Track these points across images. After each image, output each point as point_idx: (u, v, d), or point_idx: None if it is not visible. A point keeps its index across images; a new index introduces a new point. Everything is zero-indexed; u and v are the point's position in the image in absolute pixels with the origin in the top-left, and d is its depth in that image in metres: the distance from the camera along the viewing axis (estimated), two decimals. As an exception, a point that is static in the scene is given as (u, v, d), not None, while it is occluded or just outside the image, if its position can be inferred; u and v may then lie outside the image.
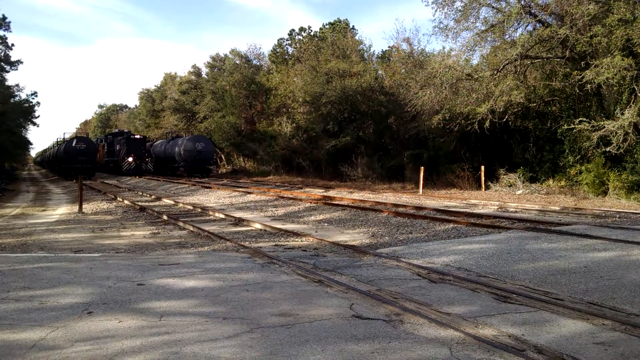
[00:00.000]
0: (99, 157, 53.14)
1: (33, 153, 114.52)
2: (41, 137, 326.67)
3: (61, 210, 16.82)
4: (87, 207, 16.99)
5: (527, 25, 20.22)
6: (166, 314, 4.94)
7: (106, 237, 10.95)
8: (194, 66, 60.91)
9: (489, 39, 20.88)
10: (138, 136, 46.52)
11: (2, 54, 34.63)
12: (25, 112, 41.80)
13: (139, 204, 17.59)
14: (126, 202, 18.64)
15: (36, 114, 44.57)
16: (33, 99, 41.99)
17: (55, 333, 4.38)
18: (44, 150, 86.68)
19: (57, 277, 6.49)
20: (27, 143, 57.46)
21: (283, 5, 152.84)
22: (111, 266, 7.23)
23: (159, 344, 4.14)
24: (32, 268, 7.10)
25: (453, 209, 14.44)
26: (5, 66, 35.24)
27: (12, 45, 35.22)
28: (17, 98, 40.24)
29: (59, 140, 51.36)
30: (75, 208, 16.58)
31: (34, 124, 46.03)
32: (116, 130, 55.57)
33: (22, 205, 19.37)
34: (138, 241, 10.31)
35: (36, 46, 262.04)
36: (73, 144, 39.25)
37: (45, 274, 6.72)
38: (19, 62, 35.84)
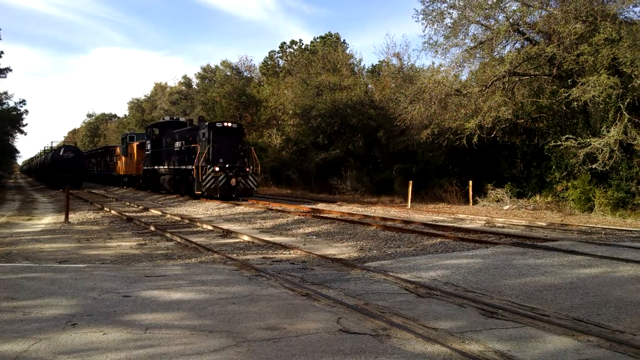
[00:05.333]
0: (125, 163, 37.43)
1: (20, 161, 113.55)
2: (28, 146, 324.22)
3: (47, 220, 16.64)
4: (74, 216, 16.82)
5: (515, 43, 20.51)
6: (151, 327, 4.89)
7: (92, 247, 10.84)
8: (184, 77, 61.17)
9: (477, 55, 21.14)
10: (229, 124, 24.26)
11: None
12: (13, 120, 41.44)
13: (126, 214, 17.46)
14: (113, 212, 18.49)
15: (24, 122, 44.20)
16: (21, 107, 41.73)
17: (38, 345, 4.32)
18: (31, 159, 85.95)
19: (41, 288, 6.41)
20: (14, 151, 56.91)
21: (277, 19, 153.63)
22: (96, 277, 7.15)
23: (143, 357, 4.10)
24: (16, 278, 7.00)
25: (441, 224, 14.50)
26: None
27: (2, 52, 34.97)
28: (4, 106, 39.94)
29: (46, 148, 50.81)
30: (62, 218, 16.40)
31: (22, 132, 45.63)
32: (167, 117, 34.49)
33: (7, 214, 19.12)
34: (124, 252, 10.21)
35: (26, 54, 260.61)
36: (60, 153, 38.95)
37: (29, 284, 6.63)
38: (7, 69, 35.62)
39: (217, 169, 22.82)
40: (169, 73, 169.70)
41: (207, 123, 24.22)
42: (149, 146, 30.94)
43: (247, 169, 23.77)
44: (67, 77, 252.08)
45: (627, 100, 17.02)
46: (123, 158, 38.06)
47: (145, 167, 32.00)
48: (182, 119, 32.92)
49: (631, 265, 8.03)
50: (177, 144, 26.54)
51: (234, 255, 9.51)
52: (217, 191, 22.79)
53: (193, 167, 23.49)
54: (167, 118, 33.30)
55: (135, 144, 35.21)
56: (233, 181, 23.03)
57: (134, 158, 34.98)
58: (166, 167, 28.23)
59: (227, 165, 23.08)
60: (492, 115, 19.91)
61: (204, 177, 22.70)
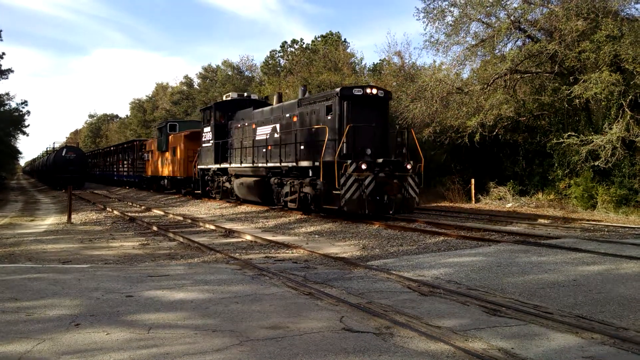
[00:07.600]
0: (164, 161, 29.32)
1: (22, 162, 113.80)
2: (31, 147, 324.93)
3: (50, 221, 16.66)
4: (76, 217, 16.85)
5: (516, 41, 20.46)
6: (155, 326, 4.89)
7: (95, 248, 10.86)
8: (186, 77, 61.16)
9: (479, 53, 21.11)
10: (374, 90, 14.51)
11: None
12: (15, 121, 41.47)
13: (129, 214, 17.48)
14: (116, 212, 18.51)
15: (26, 123, 44.21)
16: (23, 108, 41.74)
17: (41, 345, 4.33)
18: (34, 160, 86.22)
19: (44, 289, 6.42)
20: (17, 152, 56.95)
21: (279, 18, 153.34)
22: (99, 277, 7.16)
23: (147, 356, 4.10)
24: (19, 279, 7.02)
25: (443, 222, 14.47)
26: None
27: (3, 54, 34.98)
28: (6, 107, 39.97)
29: (48, 149, 50.89)
30: (64, 218, 16.44)
31: (24, 133, 45.63)
32: (233, 94, 23.40)
33: (10, 215, 19.16)
34: (127, 252, 10.23)
35: (28, 55, 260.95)
36: (63, 154, 39.08)
37: (33, 285, 6.64)
38: (9, 70, 35.61)
39: (363, 166, 13.68)
40: (171, 73, 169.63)
41: (337, 90, 14.61)
42: (209, 136, 22.03)
43: (407, 166, 14.56)
44: (68, 78, 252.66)
45: (629, 97, 16.99)
46: (160, 155, 30.09)
47: (201, 166, 23.27)
48: (254, 95, 23.85)
49: (634, 262, 8.02)
50: (264, 129, 17.99)
51: (237, 254, 9.51)
52: (363, 204, 13.63)
53: (317, 163, 14.45)
54: (234, 95, 23.02)
55: (180, 135, 26.60)
56: (391, 187, 14.03)
57: (179, 154, 26.48)
58: (247, 165, 18.96)
59: (377, 161, 14.22)
60: (494, 113, 19.87)
61: (341, 180, 13.60)
